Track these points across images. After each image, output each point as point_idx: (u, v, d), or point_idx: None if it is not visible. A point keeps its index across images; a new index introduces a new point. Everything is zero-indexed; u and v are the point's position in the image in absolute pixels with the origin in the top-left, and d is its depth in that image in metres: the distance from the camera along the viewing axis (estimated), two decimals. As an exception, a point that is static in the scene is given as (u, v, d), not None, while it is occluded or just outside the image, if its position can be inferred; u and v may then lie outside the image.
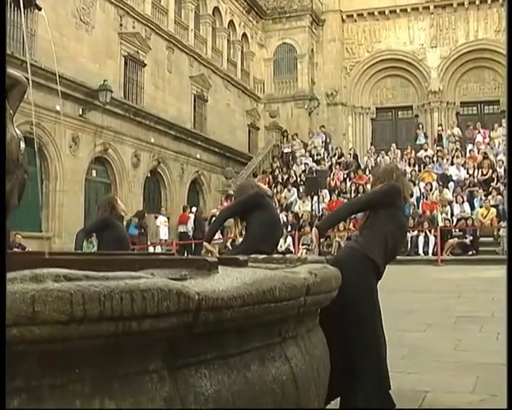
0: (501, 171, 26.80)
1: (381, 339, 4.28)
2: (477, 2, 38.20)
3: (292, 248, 23.59)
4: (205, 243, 7.04)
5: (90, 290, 1.92)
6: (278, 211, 26.18)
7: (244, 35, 38.64)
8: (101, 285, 1.95)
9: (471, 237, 22.72)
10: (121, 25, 26.30)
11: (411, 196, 25.45)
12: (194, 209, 27.71)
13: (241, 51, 38.45)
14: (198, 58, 32.49)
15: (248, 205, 6.51)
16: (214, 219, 7.06)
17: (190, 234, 26.26)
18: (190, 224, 26.51)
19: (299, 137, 35.15)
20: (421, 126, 34.41)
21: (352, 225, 24.47)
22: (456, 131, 33.24)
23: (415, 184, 26.64)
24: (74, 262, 2.78)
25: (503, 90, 37.11)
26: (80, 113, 23.01)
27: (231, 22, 37.02)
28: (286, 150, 33.74)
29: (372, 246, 4.33)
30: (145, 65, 27.81)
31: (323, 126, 36.19)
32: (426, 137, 33.43)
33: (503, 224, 22.51)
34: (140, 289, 2.02)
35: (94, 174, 24.72)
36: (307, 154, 33.16)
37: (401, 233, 4.62)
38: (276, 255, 4.16)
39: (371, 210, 4.64)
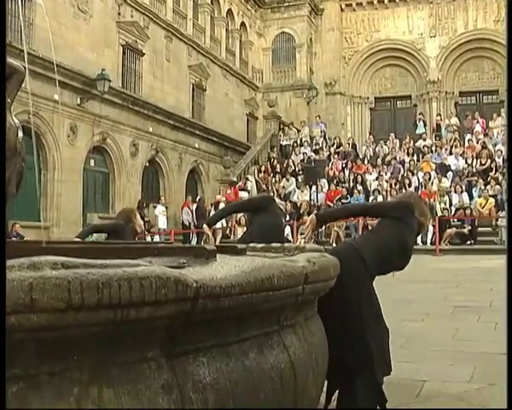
0: (499, 161, 26.77)
1: (378, 336, 4.22)
2: (476, -8, 38.17)
3: (290, 238, 23.57)
4: (204, 226, 7.08)
5: (87, 278, 1.91)
6: (277, 200, 26.23)
7: (243, 24, 38.53)
8: (99, 273, 1.95)
9: (469, 227, 22.72)
10: (119, 14, 26.22)
11: (409, 185, 25.47)
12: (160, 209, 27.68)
13: (240, 40, 38.35)
14: (196, 47, 32.39)
15: (256, 205, 6.86)
16: (223, 207, 7.15)
17: (187, 224, 26.22)
18: (186, 213, 26.39)
19: (294, 125, 35.09)
20: (420, 115, 34.37)
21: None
22: (454, 120, 33.21)
23: (413, 174, 26.65)
24: (72, 251, 2.78)
25: (503, 81, 37.12)
26: (78, 102, 22.95)
27: (230, 11, 36.90)
28: (285, 143, 33.56)
29: (368, 249, 4.31)
30: (143, 54, 27.73)
31: (319, 116, 36.13)
32: (425, 125, 33.40)
33: (502, 214, 22.51)
34: (138, 276, 2.02)
35: (92, 164, 24.67)
36: (305, 143, 33.07)
37: (402, 251, 4.51)
38: (274, 244, 4.16)
39: (381, 218, 4.67)
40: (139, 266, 2.11)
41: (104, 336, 2.03)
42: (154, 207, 26.66)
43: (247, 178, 29.03)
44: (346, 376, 4.06)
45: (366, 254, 4.25)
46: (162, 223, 25.98)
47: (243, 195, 27.50)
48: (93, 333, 2.00)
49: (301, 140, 33.31)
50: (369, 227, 24.14)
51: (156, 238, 23.94)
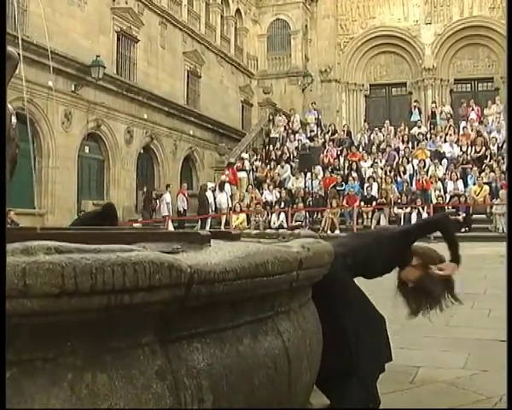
0: (494, 148, 26.84)
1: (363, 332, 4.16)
2: (472, -21, 38.11)
3: (285, 225, 23.61)
4: None
5: (81, 263, 1.91)
6: (272, 187, 26.25)
7: (238, 11, 38.42)
8: (92, 258, 1.95)
9: (464, 215, 22.75)
10: (114, 0, 26.12)
11: (404, 172, 25.49)
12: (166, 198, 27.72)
13: (235, 27, 38.26)
14: (191, 34, 32.32)
15: None
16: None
17: (181, 211, 26.19)
18: (180, 200, 26.34)
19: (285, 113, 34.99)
20: (416, 103, 34.38)
21: (345, 201, 24.54)
22: (448, 108, 33.23)
23: (408, 162, 26.66)
24: (66, 236, 2.77)
25: (498, 68, 37.12)
26: (73, 89, 22.90)
27: (225, -3, 36.86)
28: (273, 135, 33.26)
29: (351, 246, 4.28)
30: (138, 41, 27.66)
31: (314, 103, 36.08)
32: (420, 112, 33.41)
33: (496, 201, 22.56)
34: (132, 261, 2.01)
35: (87, 151, 24.64)
36: (300, 130, 33.02)
37: (380, 264, 4.43)
38: (268, 230, 4.15)
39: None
40: (133, 251, 2.10)
41: (98, 321, 2.03)
42: (160, 196, 26.56)
43: (243, 158, 29.12)
44: (334, 379, 4.01)
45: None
46: (167, 210, 26.01)
47: (241, 175, 27.66)
48: (87, 319, 2.00)
49: (292, 129, 33.17)
50: (364, 215, 24.24)
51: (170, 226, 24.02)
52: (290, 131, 32.85)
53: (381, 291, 4.49)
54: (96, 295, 1.94)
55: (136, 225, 25.10)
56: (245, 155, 29.77)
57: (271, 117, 34.20)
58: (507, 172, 20.59)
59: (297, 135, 32.26)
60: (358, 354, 3.96)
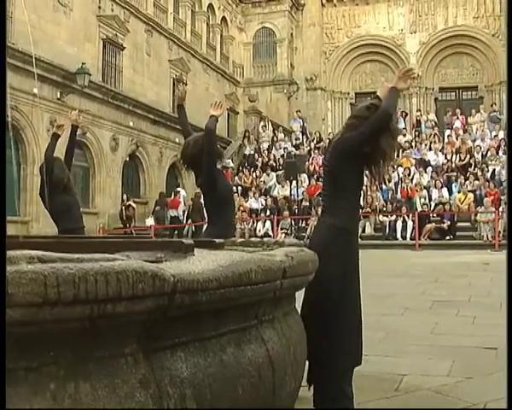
0: (478, 156, 27.02)
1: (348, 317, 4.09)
2: (456, -12, 38.34)
3: (271, 233, 23.64)
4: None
5: (64, 272, 1.90)
6: (257, 195, 26.25)
7: (223, 19, 38.48)
8: (75, 267, 1.94)
9: (449, 222, 22.86)
10: (100, 7, 26.10)
11: (389, 180, 25.58)
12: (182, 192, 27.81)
13: (221, 35, 38.32)
14: (177, 42, 32.33)
15: None
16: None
17: (181, 218, 26.18)
18: (181, 208, 26.45)
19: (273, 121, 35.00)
20: (401, 112, 34.50)
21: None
22: (432, 116, 33.42)
23: (393, 170, 26.75)
24: (49, 245, 2.76)
25: (482, 77, 37.34)
26: (58, 96, 22.82)
27: (211, 6, 36.83)
28: (247, 152, 33.02)
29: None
30: (124, 48, 27.63)
31: (299, 111, 36.16)
32: (405, 118, 33.53)
33: (480, 209, 22.68)
34: (115, 271, 2.01)
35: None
36: (286, 138, 33.07)
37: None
38: (253, 239, 4.15)
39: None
40: (116, 260, 2.10)
41: (81, 331, 2.02)
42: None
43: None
44: (315, 369, 4.01)
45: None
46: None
47: None
48: (69, 328, 1.99)
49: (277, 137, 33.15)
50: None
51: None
52: (275, 139, 32.88)
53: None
54: (79, 305, 1.94)
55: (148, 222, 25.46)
56: (229, 162, 29.75)
57: (247, 134, 33.91)
58: (507, 172, 20.63)
59: (282, 143, 32.30)
60: (333, 346, 3.93)
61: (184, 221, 25.76)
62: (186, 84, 32.82)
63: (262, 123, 34.37)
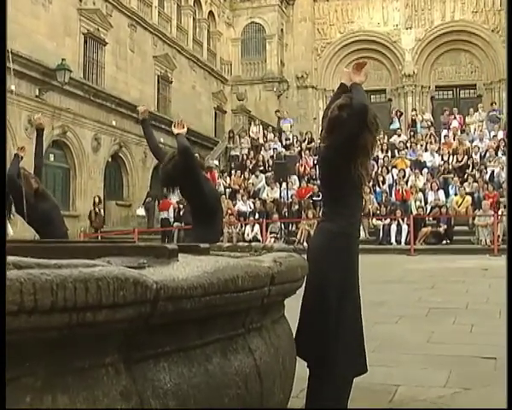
0: (476, 157, 27.05)
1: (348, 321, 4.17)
2: (454, -18, 38.47)
3: (259, 237, 23.61)
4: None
5: (41, 279, 1.89)
6: (246, 198, 26.23)
7: (211, 13, 38.48)
8: (53, 274, 1.93)
9: (445, 226, 22.87)
10: (80, 0, 26.06)
11: (383, 182, 25.62)
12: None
13: (208, 30, 38.32)
14: (162, 37, 32.32)
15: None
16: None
17: (172, 221, 26.13)
18: (172, 210, 26.41)
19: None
20: (396, 111, 34.54)
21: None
22: (428, 116, 33.48)
23: (388, 171, 26.78)
24: (27, 250, 2.75)
25: (481, 75, 37.44)
26: (37, 93, 22.77)
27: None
28: (233, 153, 32.92)
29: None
30: (106, 44, 27.59)
31: (278, 111, 36.06)
32: (400, 117, 33.58)
33: (479, 212, 22.72)
34: (95, 277, 2.00)
35: (52, 159, 24.48)
36: (276, 139, 33.05)
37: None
38: (241, 243, 4.16)
39: None
40: (96, 266, 2.09)
41: (59, 340, 2.01)
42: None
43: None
44: (312, 375, 4.05)
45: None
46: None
47: None
48: (47, 337, 1.98)
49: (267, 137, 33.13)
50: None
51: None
52: (265, 139, 32.86)
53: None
54: (57, 313, 1.93)
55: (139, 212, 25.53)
56: (214, 162, 29.76)
57: (231, 134, 33.88)
58: (507, 173, 20.70)
59: (272, 143, 32.27)
60: (338, 348, 3.98)
61: (174, 223, 25.72)
62: (172, 82, 32.84)
63: (253, 126, 34.27)
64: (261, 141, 32.77)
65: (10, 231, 13.69)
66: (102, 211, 25.34)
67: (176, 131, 6.74)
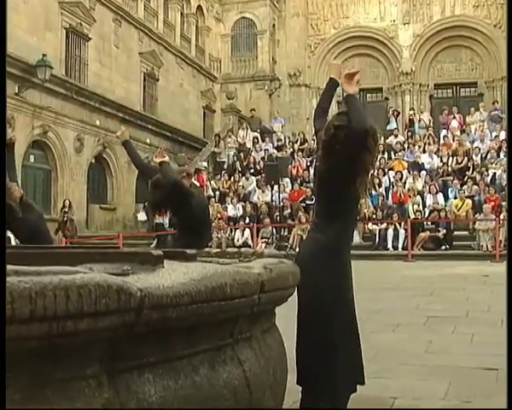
0: (477, 159, 27.07)
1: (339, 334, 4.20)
2: (454, -25, 38.51)
3: (250, 242, 23.58)
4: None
5: (19, 287, 1.89)
6: (235, 201, 26.21)
7: (199, 8, 38.45)
8: (32, 281, 1.93)
9: (444, 231, 22.87)
10: (62, -7, 26.02)
11: (380, 185, 25.64)
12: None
13: (196, 26, 38.28)
14: (148, 33, 32.26)
15: None
16: None
17: (167, 226, 26.06)
18: (167, 216, 26.34)
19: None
20: (393, 111, 34.55)
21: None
22: (426, 115, 33.47)
23: (384, 173, 26.78)
24: (6, 256, 2.75)
25: (482, 72, 37.51)
26: (16, 91, 22.71)
27: (185, -7, 36.90)
28: (219, 159, 32.68)
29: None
30: (89, 39, 27.53)
31: (254, 110, 36.02)
32: (397, 117, 33.61)
33: (479, 216, 22.75)
34: (76, 285, 2.00)
35: (32, 160, 24.44)
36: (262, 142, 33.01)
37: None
38: (230, 249, 4.17)
39: None
40: (78, 273, 2.09)
41: (38, 351, 2.02)
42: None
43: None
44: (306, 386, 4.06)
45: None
46: None
47: None
48: (26, 348, 1.98)
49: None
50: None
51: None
52: (256, 140, 32.81)
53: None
54: (36, 322, 1.93)
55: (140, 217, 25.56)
56: (203, 164, 29.76)
57: (217, 138, 33.78)
58: (507, 174, 20.74)
59: (263, 144, 32.23)
60: (336, 360, 4.00)
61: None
62: (158, 80, 32.81)
63: (240, 130, 34.13)
64: (248, 145, 32.66)
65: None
66: (74, 216, 24.89)
67: (157, 160, 7.05)
